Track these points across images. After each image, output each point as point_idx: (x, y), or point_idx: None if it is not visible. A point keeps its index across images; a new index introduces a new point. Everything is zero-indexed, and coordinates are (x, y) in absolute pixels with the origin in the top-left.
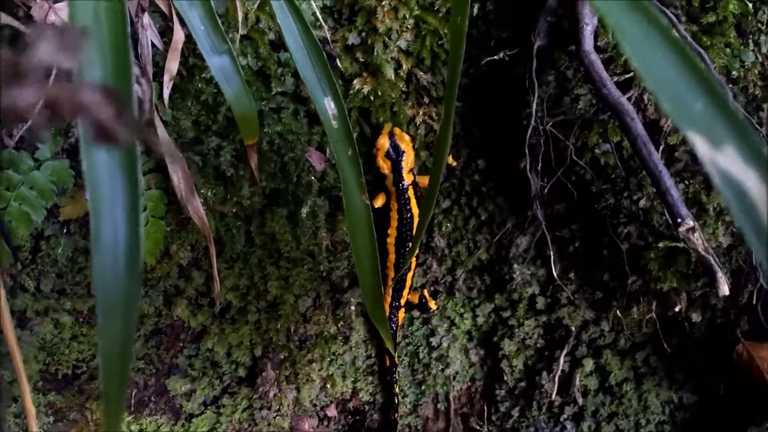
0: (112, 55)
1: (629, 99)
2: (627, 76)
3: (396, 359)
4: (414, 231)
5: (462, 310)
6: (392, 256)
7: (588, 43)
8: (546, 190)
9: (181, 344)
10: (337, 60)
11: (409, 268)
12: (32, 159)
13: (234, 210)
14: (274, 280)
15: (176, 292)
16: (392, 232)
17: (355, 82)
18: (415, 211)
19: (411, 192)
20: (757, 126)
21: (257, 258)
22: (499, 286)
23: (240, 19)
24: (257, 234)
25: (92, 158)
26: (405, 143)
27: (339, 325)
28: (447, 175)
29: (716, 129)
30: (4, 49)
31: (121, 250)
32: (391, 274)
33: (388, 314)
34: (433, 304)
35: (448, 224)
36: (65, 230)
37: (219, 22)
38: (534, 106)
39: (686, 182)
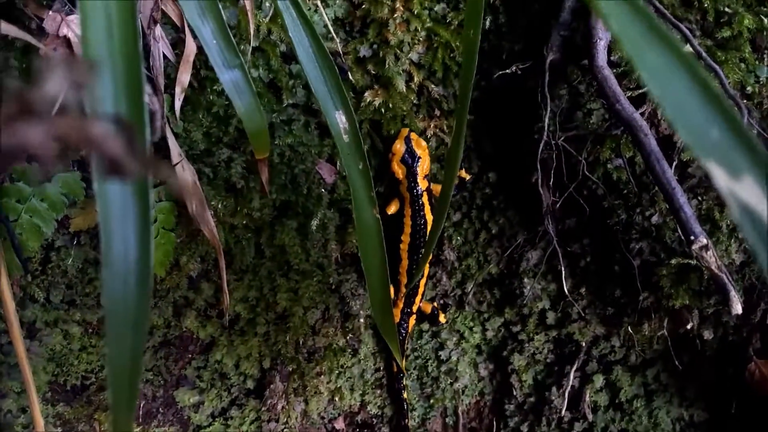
0: (123, 71)
1: (642, 114)
2: (640, 91)
3: (404, 369)
4: (427, 237)
5: (471, 323)
6: (405, 262)
7: (601, 58)
8: (557, 205)
9: (190, 356)
10: (349, 73)
11: (423, 275)
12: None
13: (244, 222)
14: (284, 292)
15: (185, 304)
16: (405, 238)
17: (366, 94)
18: (429, 217)
19: (425, 198)
20: None
21: (267, 270)
22: (509, 300)
23: (252, 31)
24: (267, 246)
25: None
26: (421, 149)
27: (348, 337)
28: (458, 188)
29: (735, 159)
30: (13, 83)
31: (131, 268)
32: (404, 280)
33: (398, 320)
34: (442, 318)
35: (459, 237)
36: (75, 241)
37: (231, 36)
38: (546, 120)
39: (699, 198)
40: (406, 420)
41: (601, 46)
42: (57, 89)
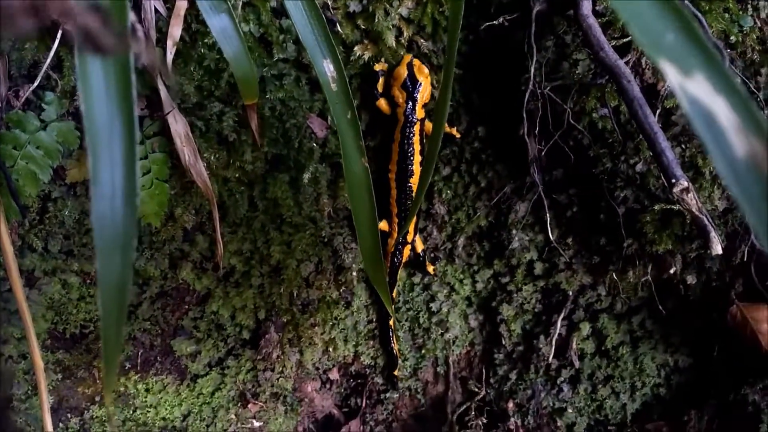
0: None
1: (627, 63)
2: (625, 40)
3: (392, 308)
4: (414, 167)
5: (461, 276)
6: (394, 192)
7: (586, 7)
8: (543, 154)
9: (187, 306)
10: (338, 25)
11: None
12: (38, 120)
13: (237, 175)
14: (277, 245)
15: (181, 256)
16: (393, 167)
17: (356, 48)
18: (417, 148)
19: (417, 128)
20: (755, 90)
21: (260, 223)
22: (497, 252)
23: None
24: (260, 199)
25: (91, 103)
26: (423, 75)
27: (341, 290)
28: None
29: (687, 58)
30: None
31: (118, 185)
32: (395, 210)
33: (392, 251)
34: (431, 269)
35: (448, 191)
36: (72, 192)
37: None
38: (532, 70)
39: (683, 146)
40: (392, 344)
41: None
42: None
